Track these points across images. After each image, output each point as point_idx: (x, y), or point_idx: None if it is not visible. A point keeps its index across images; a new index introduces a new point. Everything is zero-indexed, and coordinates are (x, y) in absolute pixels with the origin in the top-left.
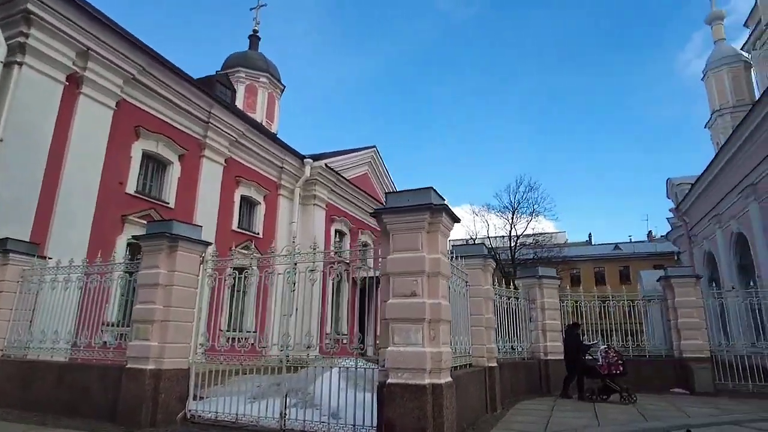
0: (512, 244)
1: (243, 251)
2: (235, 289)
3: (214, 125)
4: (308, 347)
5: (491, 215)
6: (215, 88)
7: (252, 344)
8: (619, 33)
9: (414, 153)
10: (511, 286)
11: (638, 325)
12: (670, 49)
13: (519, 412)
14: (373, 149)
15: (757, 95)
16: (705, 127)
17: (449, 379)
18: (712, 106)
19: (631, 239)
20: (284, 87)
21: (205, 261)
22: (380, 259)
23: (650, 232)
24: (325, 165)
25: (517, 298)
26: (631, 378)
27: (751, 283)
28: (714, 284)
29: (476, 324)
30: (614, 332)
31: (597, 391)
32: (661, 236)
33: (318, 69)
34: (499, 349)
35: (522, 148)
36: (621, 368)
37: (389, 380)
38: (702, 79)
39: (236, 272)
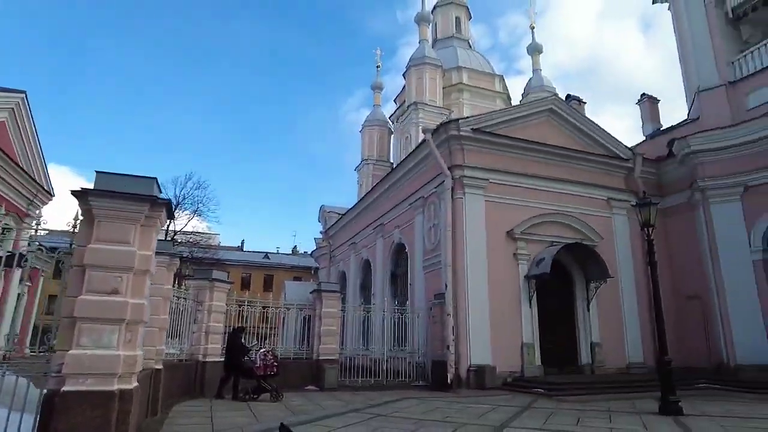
0: (168, 239)
1: None
2: None
3: None
4: None
5: None
6: None
7: None
8: (300, 70)
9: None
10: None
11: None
12: (342, 96)
13: (180, 414)
14: (21, 95)
15: (392, 156)
16: (355, 169)
17: (137, 383)
18: (363, 155)
19: (278, 250)
20: None
21: None
22: (76, 247)
23: (296, 246)
24: None
25: (185, 299)
26: (277, 378)
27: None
28: (342, 299)
29: (152, 325)
30: (272, 336)
31: (250, 391)
32: (305, 252)
33: None
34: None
35: (194, 146)
36: (275, 369)
37: (65, 388)
38: (360, 131)
39: None
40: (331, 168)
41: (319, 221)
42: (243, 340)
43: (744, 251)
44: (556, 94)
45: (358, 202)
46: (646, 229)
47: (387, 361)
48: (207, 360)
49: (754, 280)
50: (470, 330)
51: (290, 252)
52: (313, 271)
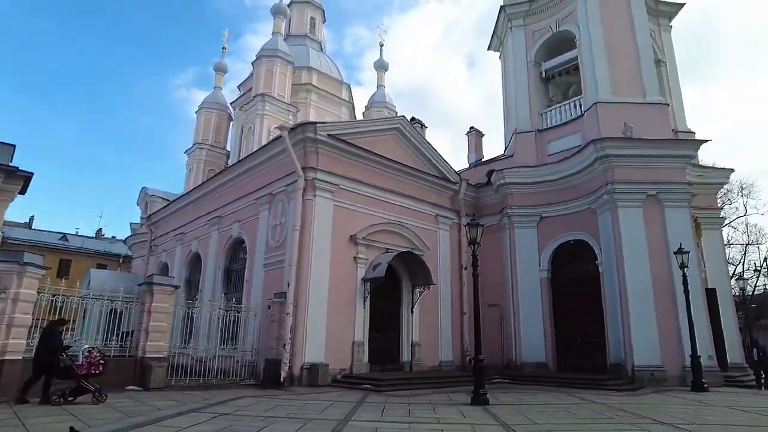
0: None
1: None
2: None
3: None
4: None
5: None
6: None
7: None
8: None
9: None
10: None
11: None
12: (173, 69)
13: None
14: None
15: (230, 144)
16: (185, 152)
17: None
18: (197, 137)
19: (78, 232)
20: None
21: None
22: None
23: (101, 230)
24: None
25: None
26: (98, 377)
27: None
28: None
29: None
30: (95, 331)
31: (66, 393)
32: (113, 237)
33: None
34: None
35: None
36: (101, 368)
37: None
38: (197, 111)
39: None
40: (151, 146)
41: (138, 205)
42: (61, 336)
43: (535, 270)
44: (403, 116)
45: (193, 189)
46: (472, 245)
47: (216, 359)
48: (6, 358)
49: (540, 293)
50: (308, 329)
51: (94, 235)
52: (122, 260)
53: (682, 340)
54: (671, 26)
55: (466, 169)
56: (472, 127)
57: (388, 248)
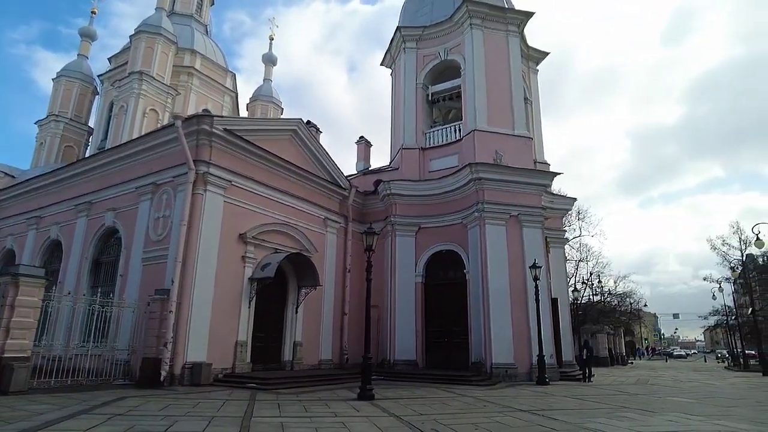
0: None
1: None
2: None
3: None
4: None
5: None
6: None
7: None
8: None
9: None
10: None
11: None
12: (9, 20)
13: None
14: None
15: (93, 120)
16: (36, 123)
17: None
18: (52, 109)
19: None
20: None
21: None
22: None
23: None
24: None
25: None
26: None
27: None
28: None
29: None
30: None
31: None
32: None
33: None
34: None
35: None
36: None
37: None
38: (54, 79)
39: None
40: None
41: None
42: None
43: (411, 274)
44: (300, 119)
45: (57, 169)
46: (368, 251)
47: (86, 358)
48: None
49: (414, 297)
50: (191, 327)
51: None
52: None
53: (531, 341)
54: (538, 70)
55: (354, 176)
56: (362, 137)
57: (277, 248)
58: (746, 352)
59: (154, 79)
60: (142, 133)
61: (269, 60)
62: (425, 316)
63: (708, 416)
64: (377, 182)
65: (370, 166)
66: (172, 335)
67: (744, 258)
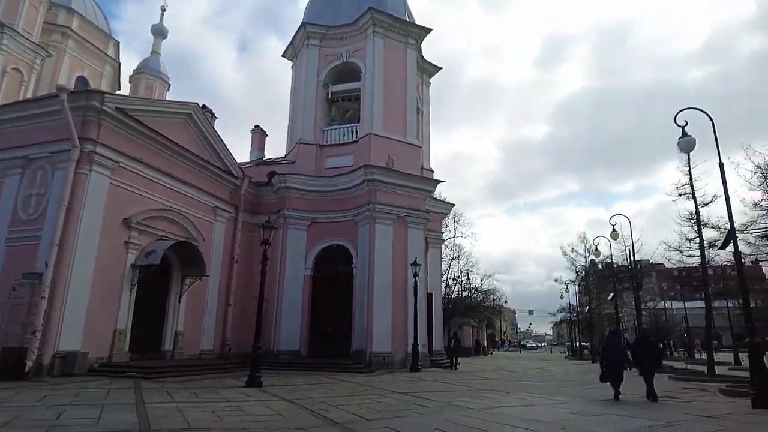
0: None
1: None
2: None
3: None
4: None
5: None
6: None
7: None
8: None
9: None
10: None
11: None
12: None
13: None
14: None
15: None
16: None
17: None
18: None
19: None
20: None
21: None
22: None
23: None
24: None
25: None
26: None
27: None
28: None
29: None
30: None
31: None
32: None
33: None
34: None
35: None
36: None
37: None
38: None
39: None
40: None
41: None
42: None
43: (301, 267)
44: (196, 104)
45: None
46: (264, 245)
47: None
48: None
49: (302, 289)
50: (65, 315)
51: None
52: None
53: (407, 332)
54: (430, 83)
55: (247, 165)
56: (257, 126)
57: (163, 235)
58: (582, 344)
59: (20, 34)
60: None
61: (159, 32)
62: (312, 307)
63: (546, 394)
64: (272, 174)
65: (264, 156)
66: (43, 323)
67: (587, 264)
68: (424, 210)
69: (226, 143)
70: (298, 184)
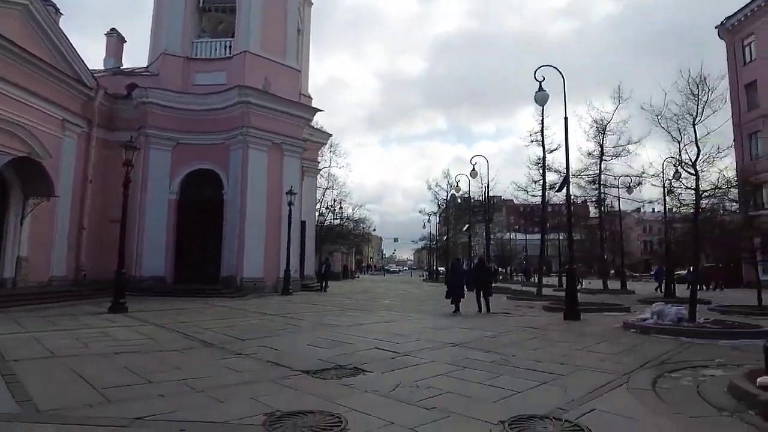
0: None
1: None
2: None
3: None
4: None
5: None
6: None
7: None
8: None
9: None
10: None
11: None
12: None
13: None
14: None
15: None
16: None
17: None
18: None
19: None
20: None
21: None
22: None
23: None
24: None
25: None
26: None
27: None
28: None
29: None
30: None
31: None
32: None
33: None
34: None
35: None
36: None
37: None
38: None
39: None
40: None
41: None
42: None
43: (165, 191)
44: None
45: None
46: (126, 166)
47: None
48: None
49: (166, 213)
50: None
51: None
52: None
53: (280, 258)
54: (312, 2)
55: (102, 74)
56: (113, 29)
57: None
58: (439, 268)
59: None
60: None
61: None
62: (177, 233)
63: (404, 311)
64: (131, 86)
65: (122, 66)
66: None
67: (448, 198)
68: (302, 138)
69: (75, 46)
70: (162, 100)
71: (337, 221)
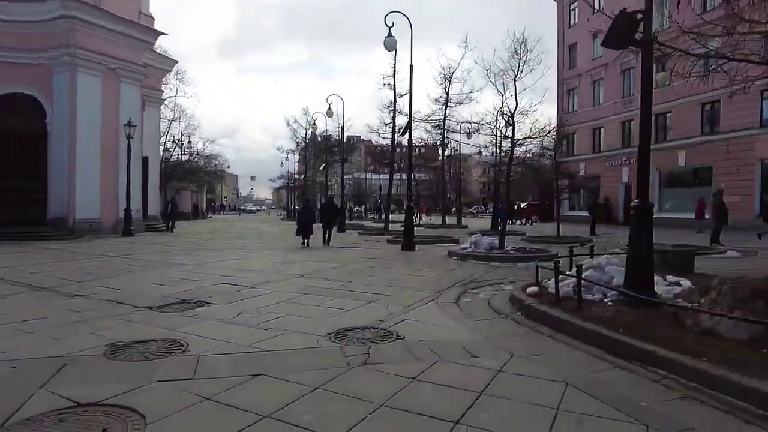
0: None
1: None
2: None
3: None
4: None
5: None
6: None
7: None
8: None
9: None
10: None
11: None
12: None
13: None
14: None
15: None
16: None
17: None
18: None
19: None
20: None
21: None
22: None
23: None
24: None
25: None
26: None
27: None
28: None
29: None
30: None
31: None
32: None
33: None
34: None
35: None
36: None
37: None
38: None
39: None
40: None
41: None
42: None
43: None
44: None
45: None
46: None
47: None
48: None
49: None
50: None
51: None
52: None
53: (119, 197)
54: None
55: None
56: None
57: None
58: (297, 207)
59: None
60: None
61: None
62: None
63: (257, 249)
64: None
65: None
66: None
67: (306, 136)
68: (141, 64)
69: None
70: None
71: (186, 157)
